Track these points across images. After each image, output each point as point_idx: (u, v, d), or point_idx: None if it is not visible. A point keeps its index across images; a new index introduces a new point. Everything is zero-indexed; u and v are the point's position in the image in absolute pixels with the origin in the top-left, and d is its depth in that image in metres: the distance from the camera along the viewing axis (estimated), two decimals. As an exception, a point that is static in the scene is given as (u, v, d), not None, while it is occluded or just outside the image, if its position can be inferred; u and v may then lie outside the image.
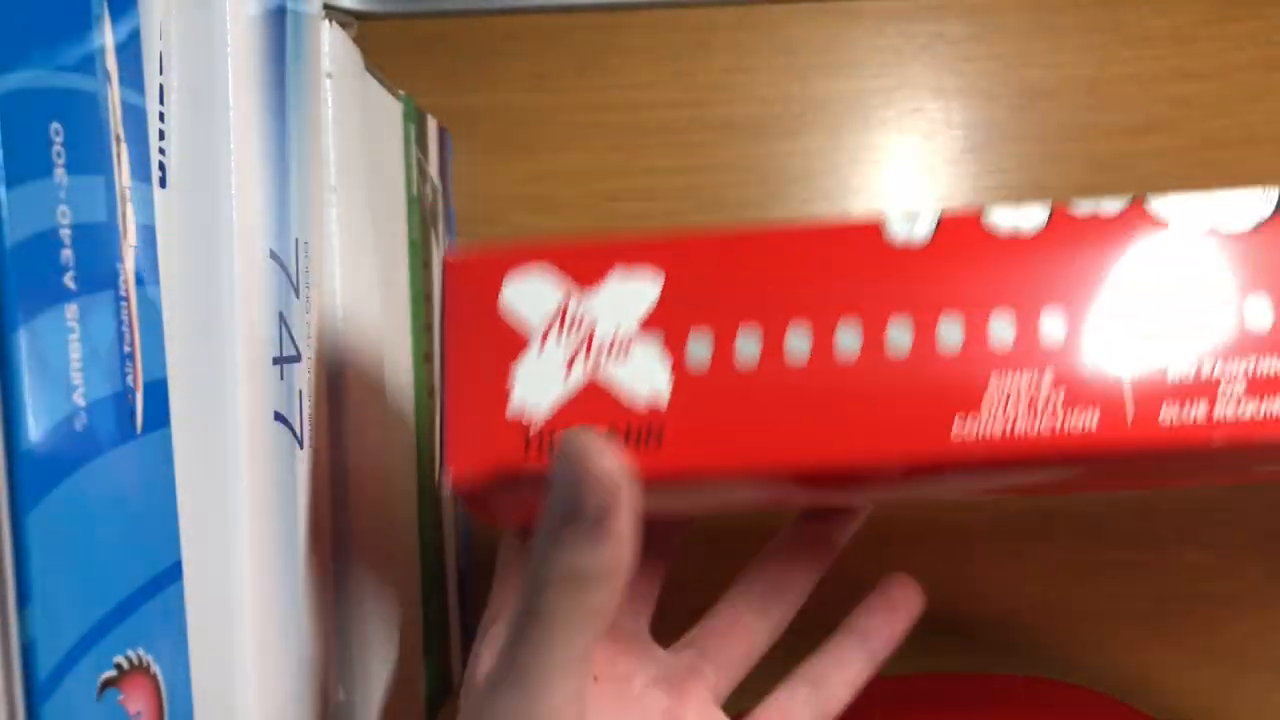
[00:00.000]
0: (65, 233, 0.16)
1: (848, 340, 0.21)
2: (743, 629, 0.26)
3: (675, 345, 0.21)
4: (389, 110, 0.30)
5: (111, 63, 0.18)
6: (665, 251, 0.21)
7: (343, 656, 0.25)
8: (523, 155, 0.39)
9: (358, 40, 0.27)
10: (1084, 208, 0.21)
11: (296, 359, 0.23)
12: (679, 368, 0.21)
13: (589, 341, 0.21)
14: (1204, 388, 0.20)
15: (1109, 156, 0.36)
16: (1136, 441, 0.20)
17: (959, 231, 0.21)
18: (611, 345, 0.21)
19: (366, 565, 0.26)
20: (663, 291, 0.21)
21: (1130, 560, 0.37)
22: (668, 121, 0.38)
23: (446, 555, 0.34)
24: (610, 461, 0.18)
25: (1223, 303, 0.20)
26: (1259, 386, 0.20)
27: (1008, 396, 0.20)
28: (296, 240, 0.23)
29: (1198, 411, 0.20)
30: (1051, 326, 0.20)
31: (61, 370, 0.16)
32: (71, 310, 0.16)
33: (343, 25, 0.26)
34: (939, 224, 0.21)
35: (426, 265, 0.33)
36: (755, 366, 0.21)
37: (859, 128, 0.38)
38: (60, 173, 0.16)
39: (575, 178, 0.38)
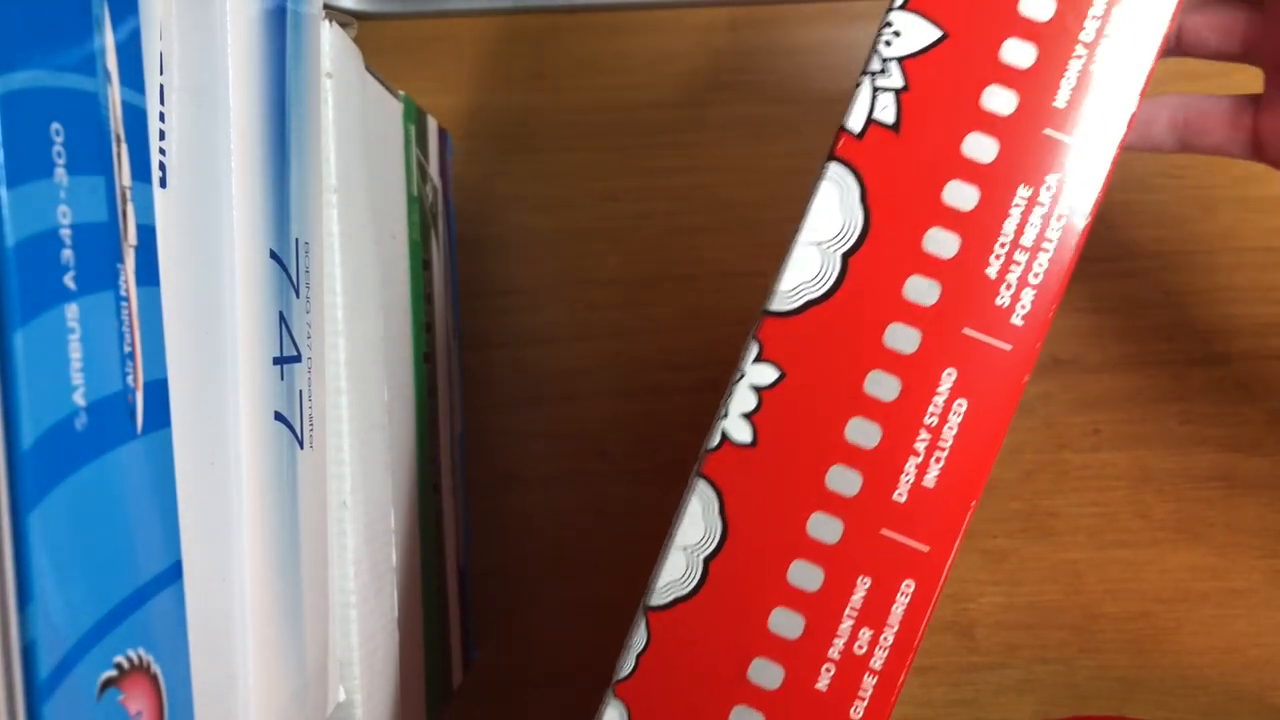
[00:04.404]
0: (65, 233, 0.16)
1: None
2: None
3: None
4: (389, 110, 0.30)
5: (111, 63, 0.18)
6: None
7: (343, 657, 0.25)
8: (523, 155, 0.39)
9: (358, 40, 0.28)
10: None
11: (296, 359, 0.23)
12: None
13: None
14: None
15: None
16: None
17: None
18: None
19: (367, 565, 0.26)
20: None
21: (1130, 560, 0.37)
22: (668, 121, 0.38)
23: (446, 555, 0.34)
24: None
25: None
26: None
27: None
28: (296, 240, 0.23)
29: None
30: None
31: (61, 370, 0.16)
32: (71, 310, 0.16)
33: (343, 25, 0.26)
34: None
35: (427, 265, 0.33)
36: None
37: (859, 128, 0.38)
38: (60, 173, 0.16)
39: (575, 178, 0.39)
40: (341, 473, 0.25)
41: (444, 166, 0.36)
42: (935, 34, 0.21)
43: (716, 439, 0.21)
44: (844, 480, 0.20)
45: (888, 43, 0.21)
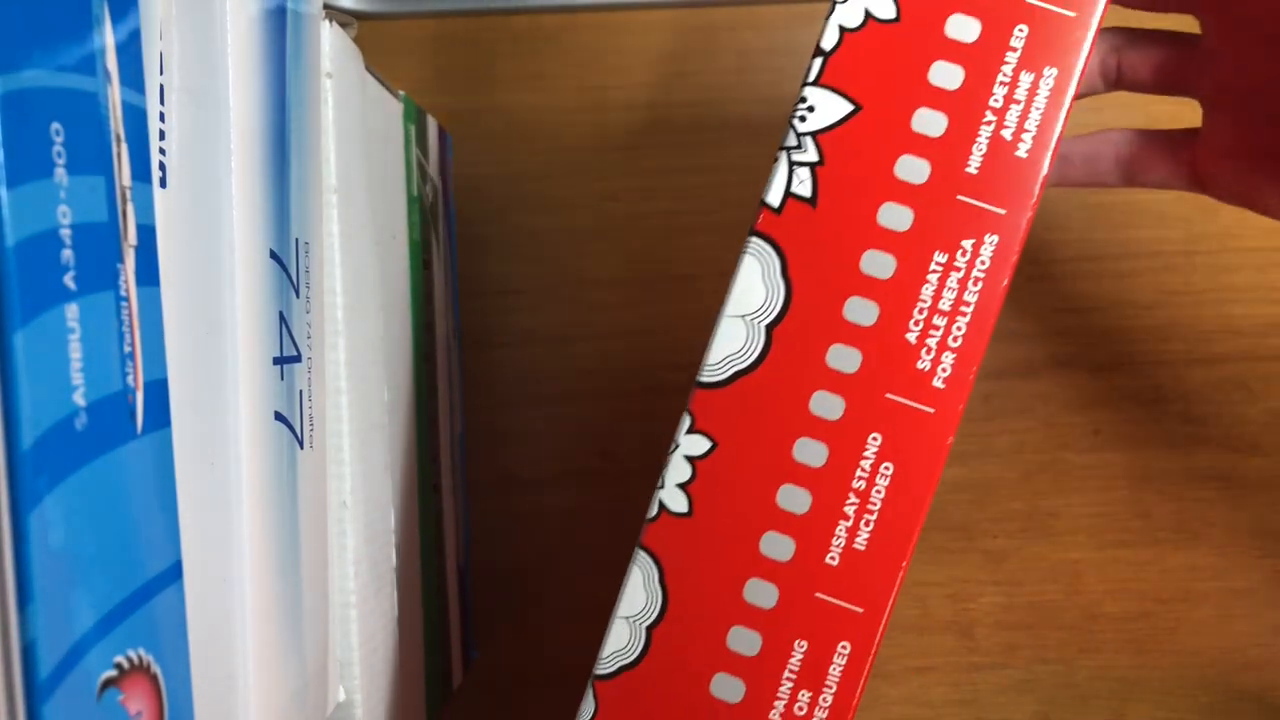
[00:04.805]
0: (65, 233, 0.16)
1: None
2: None
3: None
4: (389, 110, 0.30)
5: (111, 63, 0.18)
6: None
7: (343, 657, 0.25)
8: (523, 155, 0.39)
9: (358, 40, 0.28)
10: None
11: (296, 359, 0.23)
12: None
13: None
14: None
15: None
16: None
17: None
18: None
19: (367, 565, 0.26)
20: None
21: (1130, 560, 0.37)
22: (668, 121, 0.38)
23: (446, 555, 0.34)
24: None
25: None
26: None
27: None
28: (296, 240, 0.23)
29: None
30: None
31: (61, 370, 0.16)
32: (71, 310, 0.16)
33: (343, 25, 0.26)
34: None
35: (427, 265, 0.33)
36: None
37: (859, 128, 0.38)
38: (60, 173, 0.16)
39: (575, 178, 0.39)
40: (341, 473, 0.25)
41: (444, 166, 0.36)
42: (848, 108, 0.21)
43: (654, 510, 0.21)
44: (778, 546, 0.21)
45: (802, 118, 0.21)
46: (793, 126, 0.21)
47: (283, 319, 0.22)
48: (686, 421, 0.21)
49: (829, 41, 0.21)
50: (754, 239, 0.21)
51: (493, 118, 0.39)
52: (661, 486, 0.21)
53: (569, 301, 0.38)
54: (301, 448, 0.23)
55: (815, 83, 0.21)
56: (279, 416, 0.22)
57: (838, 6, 0.21)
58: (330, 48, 0.25)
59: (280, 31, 0.22)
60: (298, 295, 0.23)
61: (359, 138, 0.27)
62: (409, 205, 0.31)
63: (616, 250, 0.38)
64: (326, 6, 0.25)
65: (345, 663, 0.25)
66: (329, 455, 0.25)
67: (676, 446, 0.21)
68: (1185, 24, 0.27)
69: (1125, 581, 0.37)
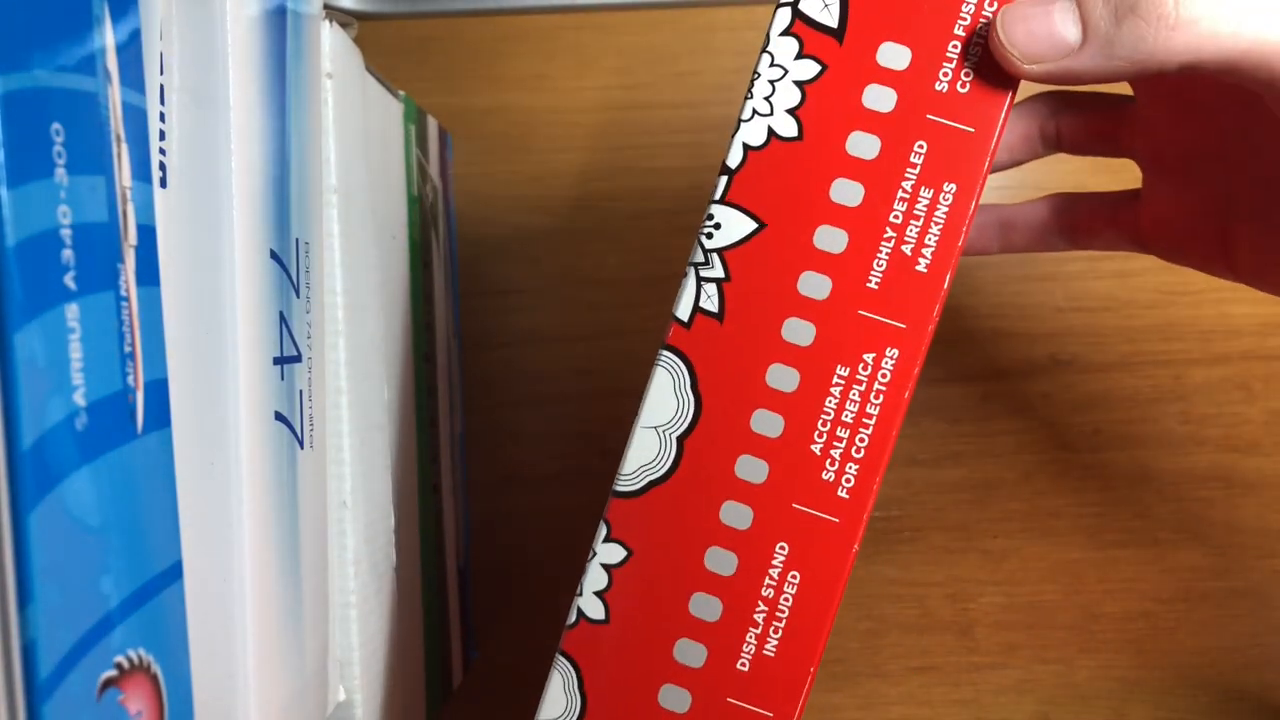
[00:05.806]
0: (65, 233, 0.16)
1: None
2: None
3: None
4: (389, 110, 0.30)
5: (111, 63, 0.18)
6: None
7: (343, 657, 0.25)
8: (523, 155, 0.39)
9: (358, 40, 0.28)
10: None
11: (296, 359, 0.23)
12: None
13: None
14: None
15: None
16: None
17: None
18: None
19: (366, 565, 0.26)
20: None
21: (1130, 560, 0.37)
22: (668, 121, 0.38)
23: (446, 555, 0.34)
24: None
25: None
26: None
27: None
28: (296, 240, 0.23)
29: None
30: None
31: (61, 370, 0.16)
32: (71, 310, 0.16)
33: (343, 25, 0.26)
34: None
35: (427, 265, 0.33)
36: None
37: (859, 128, 0.38)
38: (60, 173, 0.16)
39: (575, 178, 0.39)
40: (341, 473, 0.25)
41: (444, 166, 0.36)
42: (752, 225, 0.22)
43: (573, 617, 0.22)
44: (691, 653, 0.21)
45: (709, 235, 0.22)
46: (700, 244, 0.22)
47: (283, 319, 0.22)
48: (603, 530, 0.22)
49: (734, 160, 0.22)
50: (665, 352, 0.22)
51: (493, 118, 0.39)
52: (580, 594, 0.22)
53: (569, 301, 0.38)
54: (301, 448, 0.23)
55: (721, 200, 0.22)
56: (279, 416, 0.22)
57: (742, 125, 0.22)
58: (330, 48, 0.25)
59: (280, 31, 0.23)
60: (298, 295, 0.23)
61: (359, 138, 0.27)
62: (409, 205, 0.31)
63: (616, 250, 0.38)
64: (326, 6, 0.25)
65: (345, 663, 0.25)
66: (329, 455, 0.25)
67: (594, 555, 0.22)
68: (1123, 86, 0.27)
69: (1125, 581, 0.37)
